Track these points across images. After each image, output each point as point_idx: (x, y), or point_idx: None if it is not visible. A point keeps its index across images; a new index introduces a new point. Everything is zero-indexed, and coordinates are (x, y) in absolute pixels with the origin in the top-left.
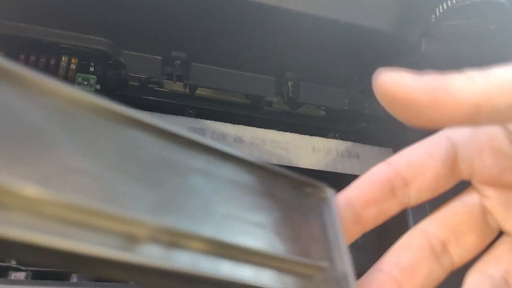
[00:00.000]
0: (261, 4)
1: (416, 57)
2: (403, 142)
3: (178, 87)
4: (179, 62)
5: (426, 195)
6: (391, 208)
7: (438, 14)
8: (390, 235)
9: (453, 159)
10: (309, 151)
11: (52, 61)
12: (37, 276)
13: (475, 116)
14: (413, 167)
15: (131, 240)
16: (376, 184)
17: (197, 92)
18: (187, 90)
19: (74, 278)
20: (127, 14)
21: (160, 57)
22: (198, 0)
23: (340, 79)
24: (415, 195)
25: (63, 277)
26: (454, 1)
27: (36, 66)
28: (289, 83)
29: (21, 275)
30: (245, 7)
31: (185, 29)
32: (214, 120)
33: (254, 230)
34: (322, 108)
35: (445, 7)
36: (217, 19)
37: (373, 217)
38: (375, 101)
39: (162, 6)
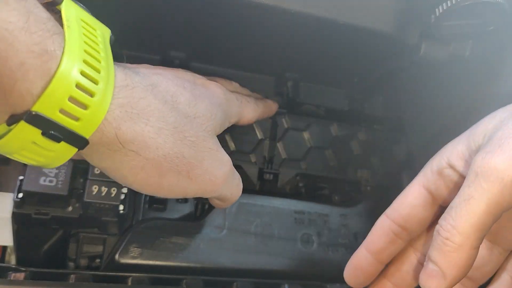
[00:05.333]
0: (260, 4)
1: (416, 58)
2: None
3: None
4: (178, 62)
5: (419, 230)
6: (399, 247)
7: (438, 14)
8: None
9: (431, 200)
10: None
11: None
12: (36, 276)
13: None
14: (404, 218)
15: None
16: (382, 236)
17: None
18: None
19: (72, 279)
20: (125, 13)
21: (158, 57)
22: (198, 0)
23: (340, 79)
24: (412, 233)
25: (62, 277)
26: (453, 2)
27: None
28: (288, 83)
29: (20, 276)
30: (244, 7)
31: (184, 29)
32: None
33: None
34: (322, 108)
35: (444, 7)
36: (216, 19)
37: (388, 257)
38: (375, 101)
39: (161, 6)
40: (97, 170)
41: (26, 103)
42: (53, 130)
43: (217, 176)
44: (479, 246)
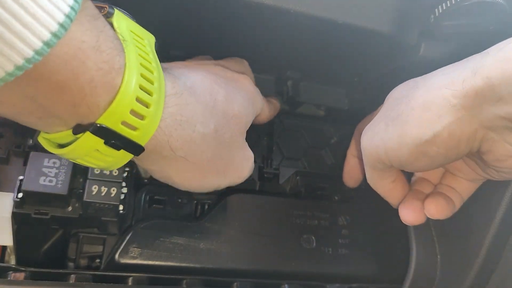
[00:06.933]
0: (261, 4)
1: (416, 57)
2: None
3: None
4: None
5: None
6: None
7: (437, 14)
8: (390, 236)
9: None
10: None
11: None
12: (36, 276)
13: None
14: None
15: None
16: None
17: None
18: None
19: (72, 279)
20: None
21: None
22: (199, 0)
23: (340, 79)
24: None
25: (62, 277)
26: (453, 2)
27: None
28: (288, 82)
29: (20, 276)
30: (244, 7)
31: (183, 27)
32: None
33: None
34: (322, 108)
35: (444, 7)
36: (216, 18)
37: None
38: (375, 101)
39: (160, 5)
40: (97, 170)
41: (93, 115)
42: (114, 140)
43: (244, 171)
44: (376, 180)
